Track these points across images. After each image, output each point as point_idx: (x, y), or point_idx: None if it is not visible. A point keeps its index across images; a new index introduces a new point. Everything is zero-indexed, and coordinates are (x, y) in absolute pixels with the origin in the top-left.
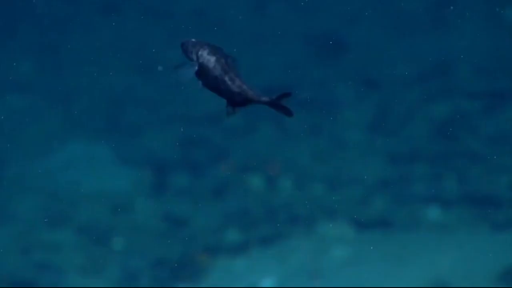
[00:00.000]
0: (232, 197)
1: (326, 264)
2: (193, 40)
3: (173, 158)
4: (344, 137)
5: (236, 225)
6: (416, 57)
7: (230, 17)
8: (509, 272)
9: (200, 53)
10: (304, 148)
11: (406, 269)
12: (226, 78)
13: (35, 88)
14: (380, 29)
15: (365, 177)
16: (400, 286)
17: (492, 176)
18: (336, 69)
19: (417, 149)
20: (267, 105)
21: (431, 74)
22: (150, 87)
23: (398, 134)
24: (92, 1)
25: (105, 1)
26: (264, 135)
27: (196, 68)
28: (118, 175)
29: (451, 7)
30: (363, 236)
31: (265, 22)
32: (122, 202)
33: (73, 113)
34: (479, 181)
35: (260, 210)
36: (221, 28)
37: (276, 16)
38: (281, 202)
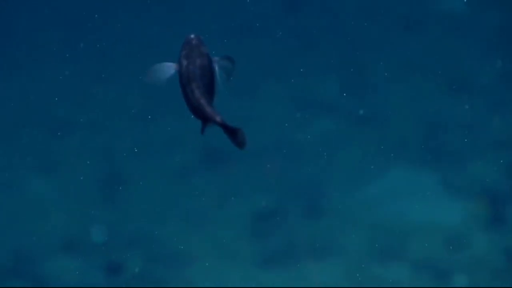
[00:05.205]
0: None
1: None
2: (191, 36)
3: (505, 188)
4: None
5: None
6: None
7: None
8: None
9: (181, 53)
10: None
11: None
12: (188, 89)
13: (342, 109)
14: None
15: None
16: None
17: None
18: None
19: None
20: (221, 128)
21: None
22: (465, 109)
23: None
24: (393, 17)
25: (407, 17)
26: None
27: (173, 70)
28: (447, 206)
29: None
30: None
31: None
32: (456, 236)
33: (389, 137)
34: None
35: None
36: None
37: None
38: None
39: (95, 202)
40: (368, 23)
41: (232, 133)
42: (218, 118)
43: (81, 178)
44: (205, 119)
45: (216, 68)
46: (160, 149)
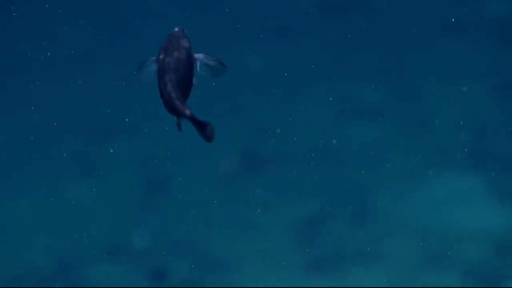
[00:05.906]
0: None
1: None
2: (175, 29)
3: None
4: None
5: None
6: None
7: None
8: None
9: (161, 46)
10: None
11: None
12: (161, 82)
13: (388, 114)
14: None
15: None
16: None
17: None
18: None
19: None
20: (190, 121)
21: None
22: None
23: None
24: (440, 19)
25: (454, 20)
26: None
27: (155, 66)
28: (497, 212)
29: None
30: None
31: None
32: (507, 242)
33: (436, 142)
34: None
35: None
36: None
37: None
38: None
39: (138, 208)
40: (414, 25)
41: (201, 127)
42: (187, 112)
43: (124, 183)
44: (177, 114)
45: (198, 63)
46: (204, 154)
